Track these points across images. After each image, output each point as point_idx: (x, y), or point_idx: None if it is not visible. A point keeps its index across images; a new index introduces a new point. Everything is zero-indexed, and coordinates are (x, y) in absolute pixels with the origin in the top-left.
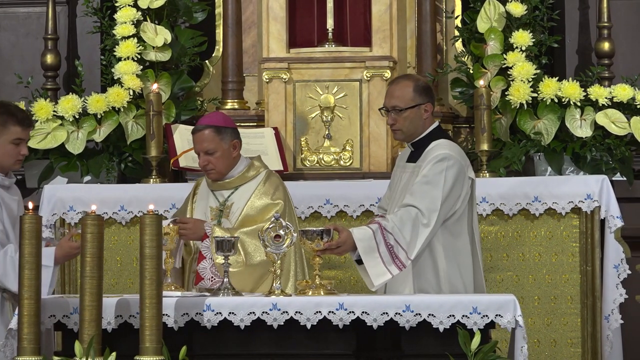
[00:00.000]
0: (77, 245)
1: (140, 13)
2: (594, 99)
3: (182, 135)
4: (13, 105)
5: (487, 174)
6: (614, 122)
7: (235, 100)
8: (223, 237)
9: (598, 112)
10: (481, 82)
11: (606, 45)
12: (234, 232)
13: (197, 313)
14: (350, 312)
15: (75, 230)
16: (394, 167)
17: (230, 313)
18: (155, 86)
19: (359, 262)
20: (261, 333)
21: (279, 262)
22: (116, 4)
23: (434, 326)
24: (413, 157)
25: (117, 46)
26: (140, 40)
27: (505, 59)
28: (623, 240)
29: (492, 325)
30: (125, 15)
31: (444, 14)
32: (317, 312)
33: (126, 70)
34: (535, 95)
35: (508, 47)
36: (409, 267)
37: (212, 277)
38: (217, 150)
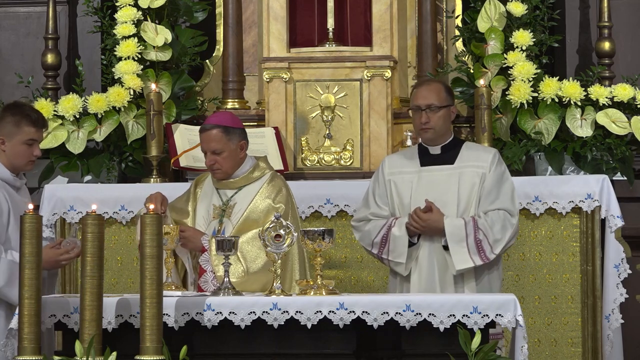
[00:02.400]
0: (62, 252)
1: (140, 13)
2: (594, 99)
3: (183, 135)
4: (27, 105)
5: None
6: (615, 122)
7: (236, 100)
8: (223, 237)
9: (598, 112)
10: (482, 82)
11: (607, 45)
12: None
13: (197, 313)
14: (350, 311)
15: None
16: (385, 174)
17: (230, 313)
18: (154, 86)
19: (446, 247)
20: (262, 333)
21: (279, 262)
22: (117, 4)
23: (434, 326)
24: (444, 159)
25: (117, 46)
26: (141, 39)
27: (505, 58)
28: (623, 239)
29: (492, 324)
30: (125, 15)
31: (445, 13)
32: (317, 311)
33: (127, 70)
34: (535, 94)
35: (508, 47)
36: None
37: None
38: (224, 151)
